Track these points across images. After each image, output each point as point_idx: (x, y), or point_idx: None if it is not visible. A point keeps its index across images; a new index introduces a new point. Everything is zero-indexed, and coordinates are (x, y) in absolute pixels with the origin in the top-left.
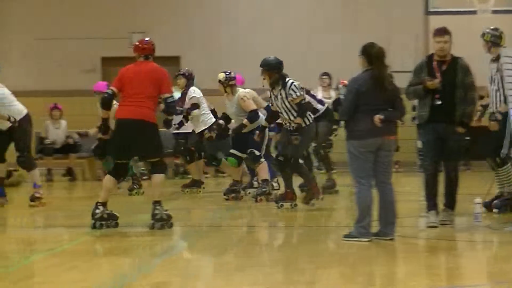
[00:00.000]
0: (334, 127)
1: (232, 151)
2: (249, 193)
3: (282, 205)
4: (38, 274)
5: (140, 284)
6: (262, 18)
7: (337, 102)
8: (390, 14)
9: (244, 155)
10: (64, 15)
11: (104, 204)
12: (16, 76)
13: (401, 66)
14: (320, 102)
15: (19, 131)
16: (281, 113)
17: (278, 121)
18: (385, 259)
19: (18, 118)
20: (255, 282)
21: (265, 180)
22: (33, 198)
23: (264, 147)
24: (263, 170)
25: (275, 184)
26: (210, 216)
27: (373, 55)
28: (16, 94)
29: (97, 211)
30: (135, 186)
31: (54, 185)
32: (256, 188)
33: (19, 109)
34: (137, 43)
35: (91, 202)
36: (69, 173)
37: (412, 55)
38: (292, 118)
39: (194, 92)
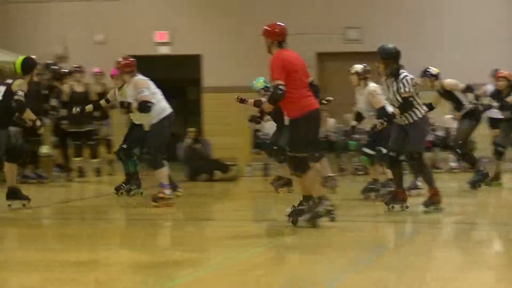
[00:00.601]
0: None
1: (364, 149)
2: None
3: (393, 207)
4: (257, 267)
5: (356, 280)
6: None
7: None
8: None
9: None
10: (280, 10)
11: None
12: (235, 72)
13: None
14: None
15: (155, 127)
16: (393, 105)
17: None
18: None
19: (160, 115)
20: (481, 282)
21: (391, 179)
22: (155, 199)
23: None
24: None
25: (418, 183)
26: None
27: None
28: (230, 89)
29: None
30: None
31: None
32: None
33: (163, 107)
34: (269, 28)
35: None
36: None
37: None
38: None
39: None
